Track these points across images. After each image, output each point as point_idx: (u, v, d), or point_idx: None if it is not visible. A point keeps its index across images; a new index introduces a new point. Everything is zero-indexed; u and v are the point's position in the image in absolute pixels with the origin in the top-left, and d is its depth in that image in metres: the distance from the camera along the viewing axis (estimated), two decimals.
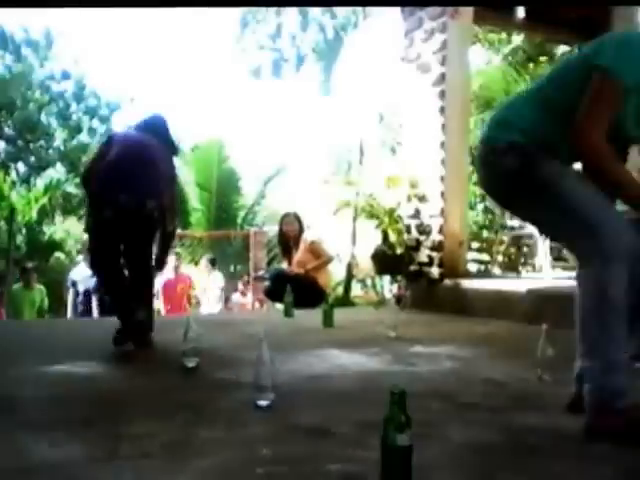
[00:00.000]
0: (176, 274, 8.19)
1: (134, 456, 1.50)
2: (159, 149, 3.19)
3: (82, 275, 6.68)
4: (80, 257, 8.37)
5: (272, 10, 11.27)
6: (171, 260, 8.40)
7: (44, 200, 12.27)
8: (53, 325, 5.08)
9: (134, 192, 2.95)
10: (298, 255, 5.27)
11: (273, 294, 5.35)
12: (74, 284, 7.21)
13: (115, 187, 2.96)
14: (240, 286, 8.82)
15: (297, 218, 5.45)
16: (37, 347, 3.14)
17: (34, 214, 12.02)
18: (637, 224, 1.74)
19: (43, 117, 16.89)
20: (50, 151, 16.91)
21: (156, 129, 3.27)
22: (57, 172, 16.34)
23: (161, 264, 3.45)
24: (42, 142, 16.79)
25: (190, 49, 43.97)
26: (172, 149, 3.34)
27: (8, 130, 16.08)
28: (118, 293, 3.09)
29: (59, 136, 17.15)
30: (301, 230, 5.41)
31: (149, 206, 2.96)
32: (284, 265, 5.64)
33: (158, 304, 7.93)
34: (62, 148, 16.88)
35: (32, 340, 3.46)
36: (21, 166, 16.82)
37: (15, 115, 15.95)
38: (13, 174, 16.20)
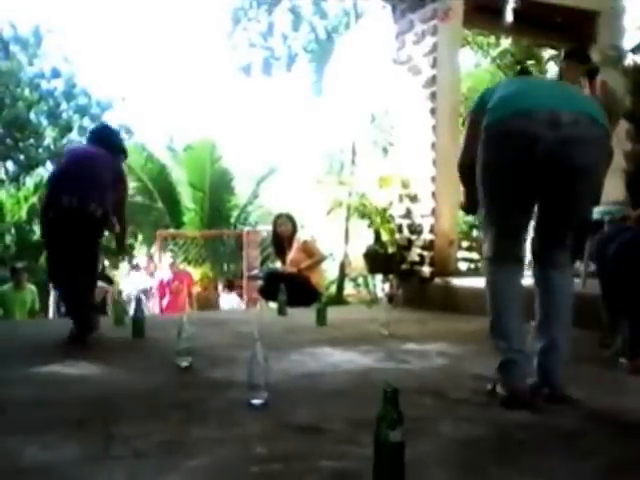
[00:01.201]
0: (173, 272, 8.17)
1: (127, 456, 1.51)
2: (103, 157, 3.36)
3: None
4: None
5: (263, 8, 11.24)
6: (166, 258, 8.38)
7: (34, 199, 12.15)
8: (42, 325, 5.05)
9: (76, 194, 3.08)
10: (291, 254, 5.29)
11: (267, 293, 5.37)
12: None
13: (58, 190, 3.14)
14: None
15: (290, 218, 5.48)
16: (26, 347, 3.11)
17: (23, 213, 11.92)
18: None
19: (32, 115, 16.75)
20: (40, 150, 16.78)
21: (101, 138, 3.50)
22: (47, 171, 16.21)
23: (121, 251, 3.71)
24: (32, 141, 16.66)
25: (181, 46, 43.80)
26: (118, 154, 3.50)
27: None
28: (72, 296, 3.24)
29: (49, 135, 17.02)
30: (294, 230, 5.43)
31: (92, 207, 3.09)
32: (278, 264, 5.66)
33: (152, 303, 7.91)
34: (52, 147, 16.76)
35: (21, 340, 3.43)
36: (10, 165, 16.69)
37: (4, 113, 15.80)
38: (2, 173, 16.08)
